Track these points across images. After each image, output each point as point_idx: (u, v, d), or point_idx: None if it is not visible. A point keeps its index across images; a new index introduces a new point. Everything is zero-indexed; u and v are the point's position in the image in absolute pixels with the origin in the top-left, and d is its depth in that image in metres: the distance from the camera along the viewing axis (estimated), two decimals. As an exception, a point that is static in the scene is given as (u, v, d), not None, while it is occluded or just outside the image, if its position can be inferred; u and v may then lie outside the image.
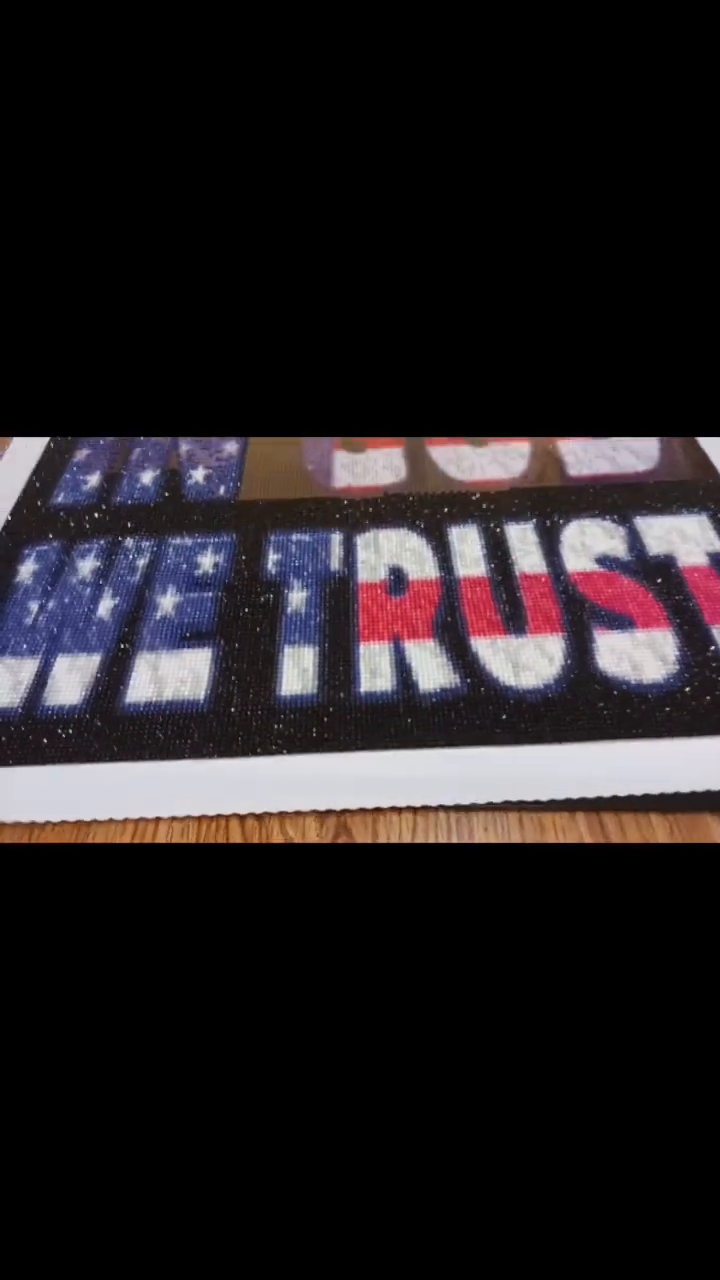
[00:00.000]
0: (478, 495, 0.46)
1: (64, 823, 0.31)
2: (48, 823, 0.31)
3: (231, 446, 0.52)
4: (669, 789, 0.31)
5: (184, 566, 0.42)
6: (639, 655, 0.36)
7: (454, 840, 0.30)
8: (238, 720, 0.34)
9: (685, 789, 0.31)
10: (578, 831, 0.30)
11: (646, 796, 0.31)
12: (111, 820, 0.31)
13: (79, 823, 0.31)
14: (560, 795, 0.31)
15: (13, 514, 0.47)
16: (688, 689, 0.35)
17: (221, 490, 0.48)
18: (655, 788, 0.31)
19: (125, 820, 0.31)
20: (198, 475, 0.49)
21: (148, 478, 0.49)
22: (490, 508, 0.45)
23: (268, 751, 0.33)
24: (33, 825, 0.31)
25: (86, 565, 0.43)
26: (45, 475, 0.50)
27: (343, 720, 0.34)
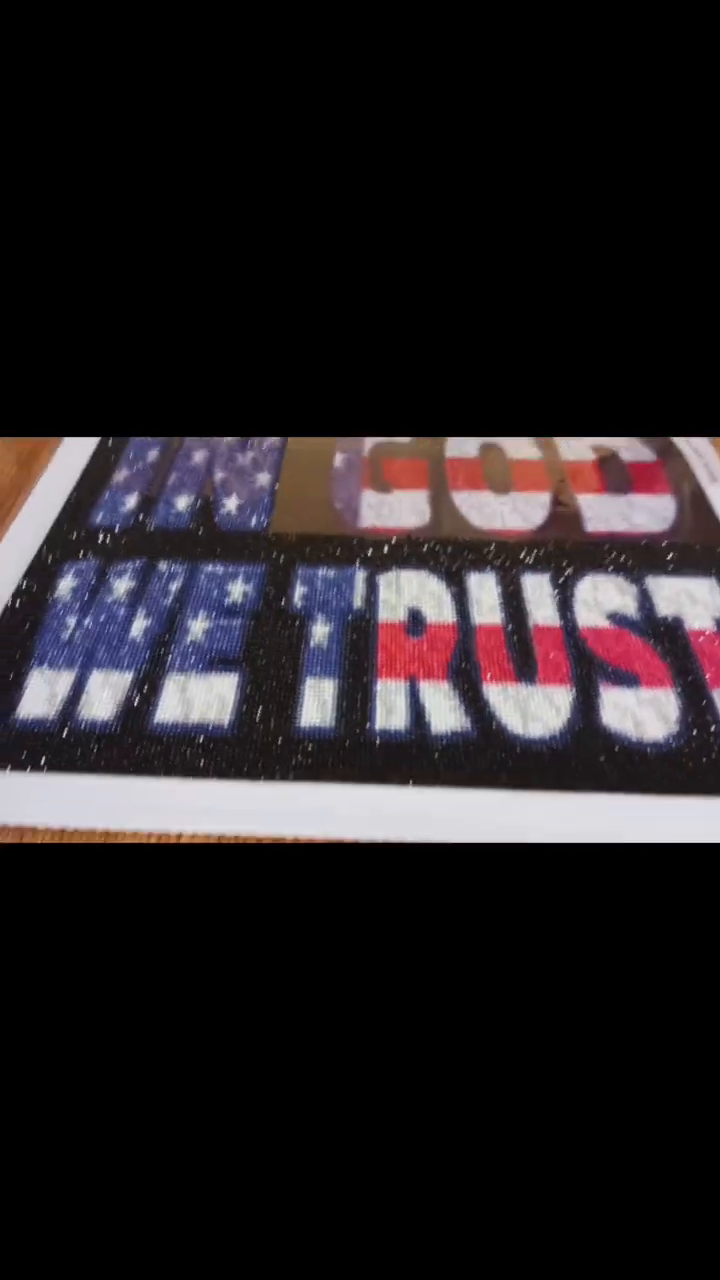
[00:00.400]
0: (496, 544, 0.48)
1: (92, 830, 0.33)
2: (76, 830, 0.33)
3: (264, 478, 0.54)
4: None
5: (215, 593, 0.45)
6: (642, 713, 0.38)
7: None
8: (259, 747, 0.36)
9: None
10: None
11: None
12: (136, 832, 0.33)
13: (106, 831, 0.33)
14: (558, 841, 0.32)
15: (53, 529, 0.49)
16: (686, 749, 0.37)
17: (253, 522, 0.50)
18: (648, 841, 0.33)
19: (150, 834, 0.33)
20: (230, 505, 0.52)
21: (182, 504, 0.52)
22: (508, 557, 0.47)
23: (286, 779, 0.35)
24: (62, 831, 0.33)
25: (122, 585, 0.45)
26: (85, 494, 0.53)
27: (358, 755, 0.36)
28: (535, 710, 0.38)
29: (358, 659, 0.41)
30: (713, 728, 0.37)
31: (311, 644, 0.42)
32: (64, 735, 0.37)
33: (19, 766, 0.35)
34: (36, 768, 0.35)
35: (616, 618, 0.44)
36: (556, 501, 0.52)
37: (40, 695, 0.39)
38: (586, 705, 0.39)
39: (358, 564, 0.47)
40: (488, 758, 0.36)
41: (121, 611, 0.43)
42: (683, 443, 0.57)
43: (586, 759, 0.36)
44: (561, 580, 0.46)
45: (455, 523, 0.50)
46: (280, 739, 0.37)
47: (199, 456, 0.56)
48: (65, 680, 0.39)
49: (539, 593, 0.45)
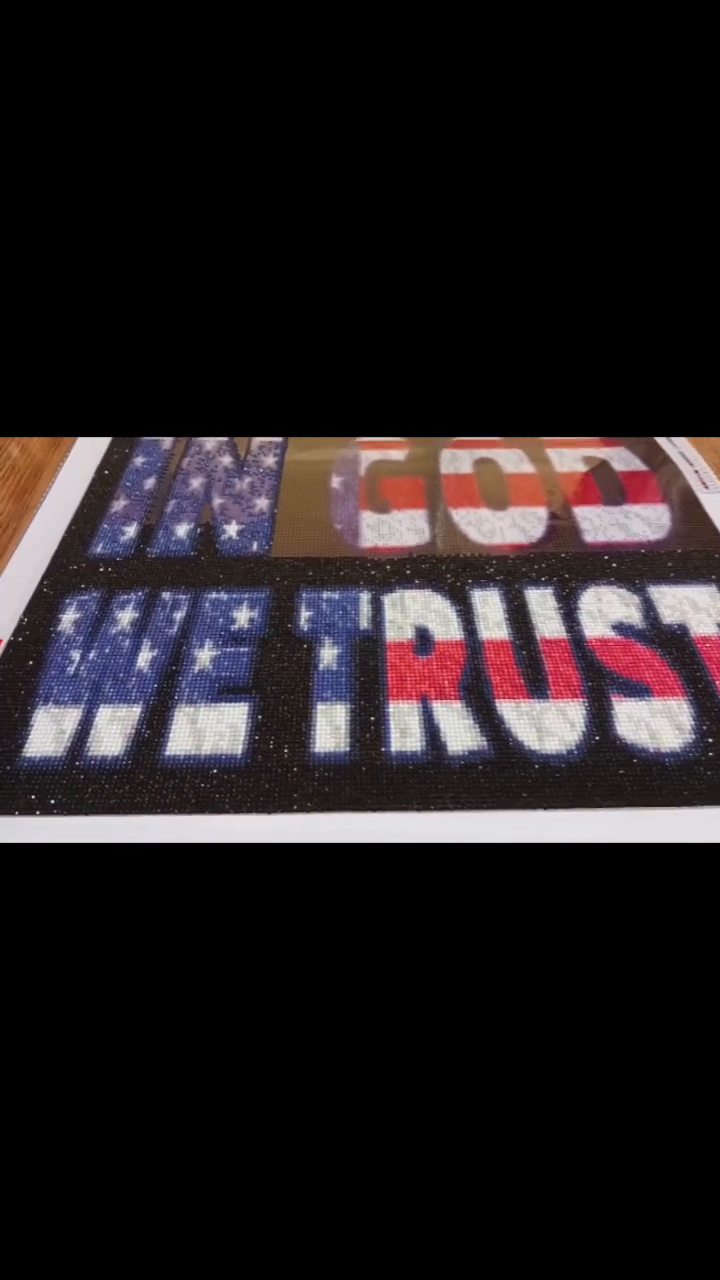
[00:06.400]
0: (497, 560, 0.48)
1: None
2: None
3: (263, 503, 0.54)
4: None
5: (220, 621, 0.44)
6: (656, 723, 0.38)
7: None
8: (275, 776, 0.36)
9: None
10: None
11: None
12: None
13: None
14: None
15: (53, 563, 0.49)
16: (704, 758, 0.36)
17: (254, 546, 0.50)
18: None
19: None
20: (231, 530, 0.52)
21: (182, 531, 0.52)
22: (511, 572, 0.47)
23: (304, 809, 0.34)
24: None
25: (125, 616, 0.45)
26: (83, 525, 0.52)
27: (375, 780, 0.36)
28: (550, 725, 0.38)
29: (368, 681, 0.40)
30: (728, 735, 0.37)
31: (320, 668, 0.41)
32: (74, 774, 0.36)
33: (28, 809, 0.35)
34: (46, 810, 0.34)
35: (622, 628, 0.44)
36: (553, 515, 0.52)
37: (48, 734, 0.38)
38: (601, 718, 0.38)
39: (361, 585, 0.47)
40: (506, 776, 0.36)
41: (126, 643, 0.43)
42: (673, 451, 0.58)
43: (604, 773, 0.36)
44: (565, 593, 0.46)
45: (455, 540, 0.50)
46: (295, 767, 0.36)
47: (196, 484, 0.56)
48: (72, 717, 0.39)
49: (543, 606, 0.45)
